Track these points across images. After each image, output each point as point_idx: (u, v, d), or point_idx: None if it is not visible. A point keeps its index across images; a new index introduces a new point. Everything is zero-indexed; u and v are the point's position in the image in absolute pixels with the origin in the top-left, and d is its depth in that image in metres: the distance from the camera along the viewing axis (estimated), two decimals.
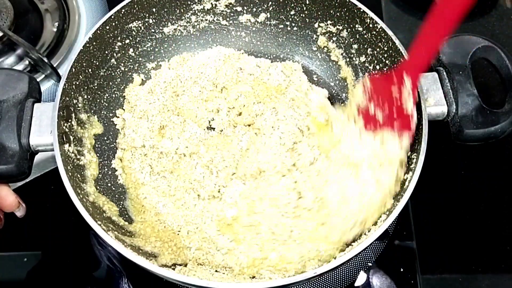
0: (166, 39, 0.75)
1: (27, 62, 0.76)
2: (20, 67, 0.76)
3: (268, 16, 0.75)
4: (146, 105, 0.70)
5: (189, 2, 0.72)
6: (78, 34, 0.82)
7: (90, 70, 0.65)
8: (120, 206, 0.64)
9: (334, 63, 0.75)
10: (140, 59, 0.73)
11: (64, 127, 0.58)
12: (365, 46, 0.68)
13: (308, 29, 0.74)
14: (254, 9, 0.74)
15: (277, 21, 0.75)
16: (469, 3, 0.47)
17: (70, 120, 0.60)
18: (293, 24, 0.75)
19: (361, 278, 0.66)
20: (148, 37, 0.73)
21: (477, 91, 0.58)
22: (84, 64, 0.63)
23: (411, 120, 0.55)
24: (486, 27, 0.88)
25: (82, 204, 0.52)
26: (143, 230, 0.62)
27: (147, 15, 0.70)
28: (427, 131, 0.55)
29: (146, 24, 0.71)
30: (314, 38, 0.75)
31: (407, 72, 0.55)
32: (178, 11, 0.73)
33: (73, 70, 0.61)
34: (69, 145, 0.58)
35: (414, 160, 0.55)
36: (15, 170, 0.54)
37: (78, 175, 0.58)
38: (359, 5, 0.65)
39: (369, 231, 0.55)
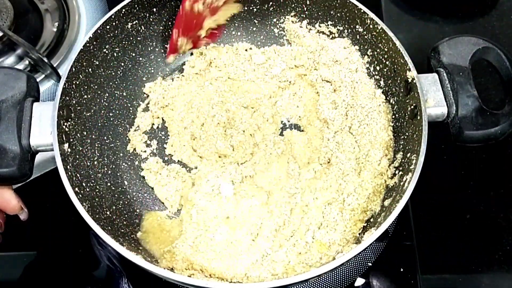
0: (166, 39, 0.74)
1: (27, 62, 0.76)
2: (20, 67, 0.75)
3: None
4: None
5: None
6: (78, 34, 0.81)
7: (90, 69, 0.65)
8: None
9: None
10: (140, 59, 0.73)
11: (64, 127, 0.58)
12: (365, 47, 0.68)
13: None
14: (255, 9, 0.74)
15: (277, 22, 0.75)
16: None
17: (70, 120, 0.60)
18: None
19: (361, 279, 0.66)
20: (149, 37, 0.73)
21: (477, 92, 0.58)
22: (84, 64, 0.63)
23: None
24: (486, 27, 0.88)
25: (82, 204, 0.52)
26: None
27: (147, 15, 0.70)
28: (427, 132, 0.55)
29: (147, 24, 0.71)
30: None
31: None
32: (178, 10, 0.72)
33: (73, 69, 0.61)
34: (69, 145, 0.59)
35: (414, 161, 0.55)
36: (17, 172, 0.54)
37: (78, 175, 0.58)
38: (360, 5, 0.65)
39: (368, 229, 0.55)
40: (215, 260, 0.58)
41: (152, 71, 0.75)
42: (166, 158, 0.70)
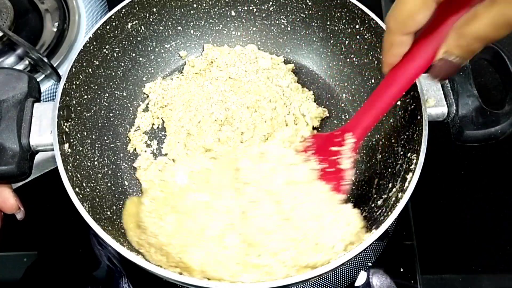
0: (167, 39, 0.75)
1: (27, 62, 0.76)
2: (20, 67, 0.75)
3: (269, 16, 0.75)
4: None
5: (190, 1, 0.72)
6: (78, 34, 0.82)
7: (90, 70, 0.65)
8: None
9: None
10: (140, 59, 0.73)
11: (64, 127, 0.58)
12: (365, 47, 0.68)
13: (309, 30, 0.74)
14: (255, 9, 0.75)
15: (277, 22, 0.75)
16: (418, 75, 0.47)
17: (70, 120, 0.60)
18: (294, 25, 0.75)
19: (361, 278, 0.66)
20: (149, 37, 0.73)
21: (477, 91, 0.58)
22: (84, 64, 0.63)
23: (342, 181, 0.56)
24: None
25: (82, 205, 0.52)
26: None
27: (147, 15, 0.70)
28: (427, 131, 0.55)
29: (147, 24, 0.71)
30: (314, 39, 0.75)
31: (352, 132, 0.56)
32: (178, 10, 0.73)
33: (73, 70, 0.61)
34: (69, 145, 0.59)
35: (414, 161, 0.55)
36: (16, 170, 0.54)
37: (79, 175, 0.58)
38: (360, 5, 0.65)
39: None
40: (183, 252, 0.55)
41: (152, 71, 0.75)
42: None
